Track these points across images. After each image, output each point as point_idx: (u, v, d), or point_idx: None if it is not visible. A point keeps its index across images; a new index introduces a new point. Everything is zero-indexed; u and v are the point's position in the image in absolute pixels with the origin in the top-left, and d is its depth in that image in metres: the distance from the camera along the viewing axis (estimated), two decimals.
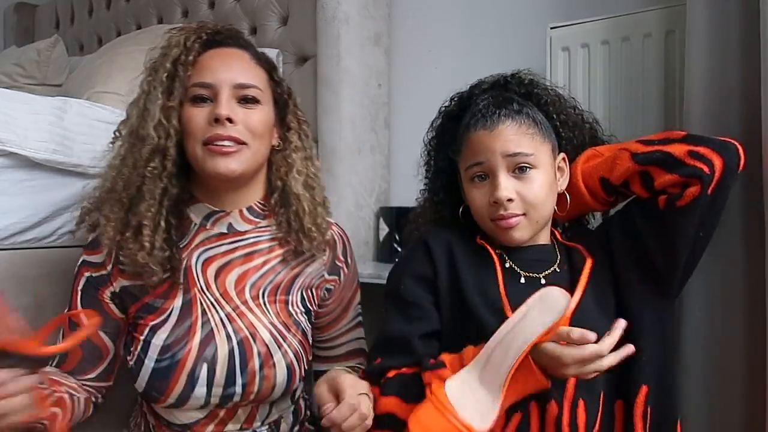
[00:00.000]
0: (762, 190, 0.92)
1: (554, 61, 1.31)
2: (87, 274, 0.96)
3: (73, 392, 0.93)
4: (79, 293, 0.96)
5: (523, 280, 0.90)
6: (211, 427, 0.95)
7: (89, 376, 0.97)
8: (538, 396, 0.81)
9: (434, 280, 0.90)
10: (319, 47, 1.66)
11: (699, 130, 0.99)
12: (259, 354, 0.92)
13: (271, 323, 0.94)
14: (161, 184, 0.89)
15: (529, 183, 0.86)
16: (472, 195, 0.91)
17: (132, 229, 0.89)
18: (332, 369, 0.91)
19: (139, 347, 0.92)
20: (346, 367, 1.02)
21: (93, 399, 0.98)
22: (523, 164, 0.86)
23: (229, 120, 0.88)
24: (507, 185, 0.86)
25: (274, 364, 0.92)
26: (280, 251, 0.98)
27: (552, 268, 0.91)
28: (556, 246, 0.94)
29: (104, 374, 0.98)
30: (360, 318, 1.10)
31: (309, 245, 0.96)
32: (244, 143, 0.90)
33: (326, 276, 1.02)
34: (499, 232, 0.89)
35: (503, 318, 0.81)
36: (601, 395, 0.85)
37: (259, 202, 1.00)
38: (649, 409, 0.85)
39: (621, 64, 1.24)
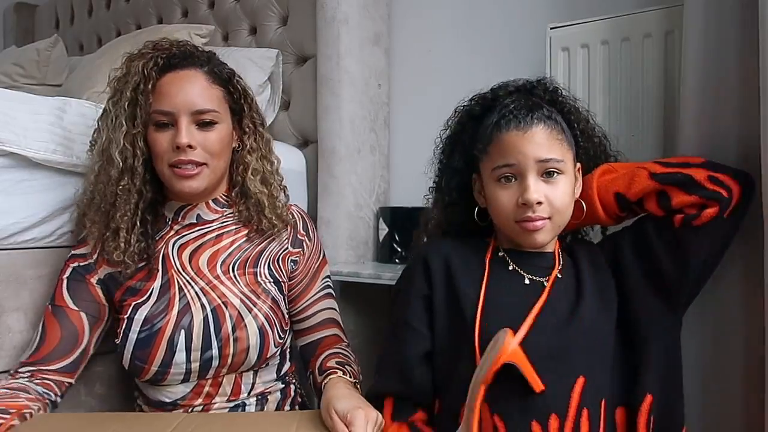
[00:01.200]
0: (761, 196, 0.91)
1: (554, 61, 1.31)
2: (73, 264, 1.05)
3: (24, 410, 0.90)
4: (65, 281, 1.04)
5: (527, 281, 0.91)
6: (199, 400, 1.01)
7: (57, 366, 0.99)
8: (538, 413, 0.81)
9: (431, 296, 0.92)
10: (319, 47, 1.66)
11: (695, 132, 0.98)
12: (230, 317, 1.01)
13: (241, 292, 1.04)
14: (133, 198, 1.00)
15: (556, 188, 0.87)
16: (497, 195, 0.89)
17: (111, 231, 1.00)
18: (330, 395, 0.93)
19: (124, 325, 1.00)
20: (332, 360, 1.06)
21: (51, 398, 0.97)
22: (552, 169, 0.86)
23: (190, 146, 0.98)
24: (537, 188, 0.86)
25: (245, 326, 1.01)
26: (245, 231, 1.10)
27: (554, 273, 0.91)
28: (560, 253, 0.94)
29: (71, 366, 1.01)
30: (329, 290, 1.18)
31: (269, 224, 1.08)
32: (204, 164, 1.01)
33: (290, 249, 1.12)
34: (523, 235, 0.88)
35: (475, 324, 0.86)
36: (603, 402, 0.84)
37: (223, 194, 1.11)
38: (652, 418, 0.85)
39: (621, 64, 1.24)
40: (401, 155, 1.79)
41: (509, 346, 0.80)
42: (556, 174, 0.87)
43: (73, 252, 1.06)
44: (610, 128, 1.23)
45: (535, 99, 0.92)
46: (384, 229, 1.63)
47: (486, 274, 0.91)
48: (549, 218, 0.87)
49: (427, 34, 1.77)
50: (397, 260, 1.60)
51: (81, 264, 1.05)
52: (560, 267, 0.92)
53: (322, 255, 1.18)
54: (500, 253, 0.93)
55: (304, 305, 1.14)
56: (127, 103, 0.98)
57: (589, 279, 0.90)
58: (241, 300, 1.03)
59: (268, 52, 1.77)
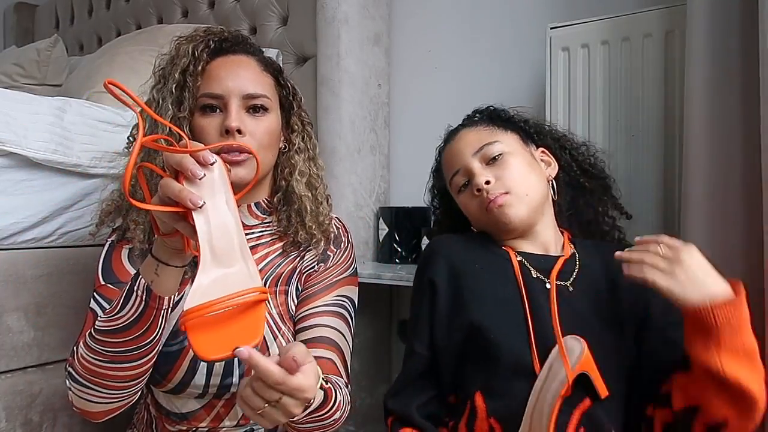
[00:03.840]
0: (761, 191, 0.92)
1: (554, 61, 1.31)
2: (128, 246, 0.96)
3: None
4: (123, 256, 0.95)
5: (548, 286, 0.91)
6: (207, 421, 0.96)
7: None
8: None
9: (433, 296, 0.94)
10: (319, 47, 1.66)
11: (699, 131, 0.99)
12: (256, 344, 0.92)
13: (269, 314, 0.96)
14: None
15: (503, 165, 0.93)
16: (464, 204, 0.97)
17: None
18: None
19: None
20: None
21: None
22: (494, 155, 0.94)
23: (239, 131, 0.91)
24: (481, 172, 0.93)
25: (269, 355, 0.90)
26: (279, 244, 1.01)
27: (572, 277, 0.92)
28: (571, 257, 0.95)
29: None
30: (343, 312, 1.01)
31: (307, 237, 1.00)
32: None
33: (315, 267, 1.02)
34: (496, 217, 0.92)
35: (526, 326, 0.86)
36: (606, 426, 0.83)
37: (266, 199, 1.03)
38: None
39: (621, 64, 1.24)
40: (401, 155, 1.79)
41: (588, 355, 0.80)
42: (498, 157, 0.94)
43: (116, 239, 0.97)
44: (610, 128, 1.24)
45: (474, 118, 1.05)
46: (384, 229, 1.63)
47: (523, 285, 0.90)
48: (507, 193, 0.91)
49: (427, 34, 1.77)
50: (397, 260, 1.60)
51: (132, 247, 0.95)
52: (574, 271, 0.92)
53: (347, 274, 1.04)
54: (518, 258, 0.94)
55: (307, 312, 0.99)
56: (174, 86, 0.92)
57: (600, 291, 0.90)
58: (268, 323, 0.94)
59: (268, 52, 1.77)
